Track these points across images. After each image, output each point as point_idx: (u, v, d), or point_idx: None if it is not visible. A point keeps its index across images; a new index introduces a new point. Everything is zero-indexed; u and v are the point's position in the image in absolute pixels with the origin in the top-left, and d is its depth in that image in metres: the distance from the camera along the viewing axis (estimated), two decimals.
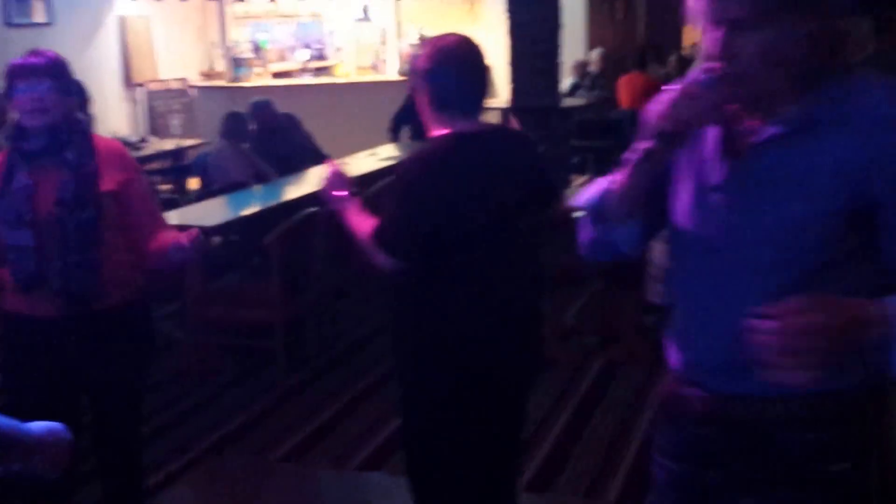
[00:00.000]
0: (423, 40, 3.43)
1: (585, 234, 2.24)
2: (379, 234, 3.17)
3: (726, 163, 1.95)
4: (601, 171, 9.94)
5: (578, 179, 11.49)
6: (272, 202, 6.87)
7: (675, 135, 1.90)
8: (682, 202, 2.05)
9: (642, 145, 1.94)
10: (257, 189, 7.38)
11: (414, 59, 3.41)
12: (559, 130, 9.91)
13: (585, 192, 2.20)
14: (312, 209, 6.00)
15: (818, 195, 1.83)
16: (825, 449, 1.96)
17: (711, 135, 1.99)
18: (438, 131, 3.23)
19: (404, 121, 9.87)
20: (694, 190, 2.02)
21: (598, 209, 2.14)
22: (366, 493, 4.68)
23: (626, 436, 5.12)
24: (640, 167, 1.97)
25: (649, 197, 2.05)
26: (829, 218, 1.83)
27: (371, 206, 3.39)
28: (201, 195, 7.68)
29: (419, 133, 9.87)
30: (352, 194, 3.38)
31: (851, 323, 1.68)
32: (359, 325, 6.81)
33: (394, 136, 10.07)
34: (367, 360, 6.20)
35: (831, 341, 1.64)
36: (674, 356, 2.15)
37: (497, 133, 3.56)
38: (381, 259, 3.18)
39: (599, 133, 11.41)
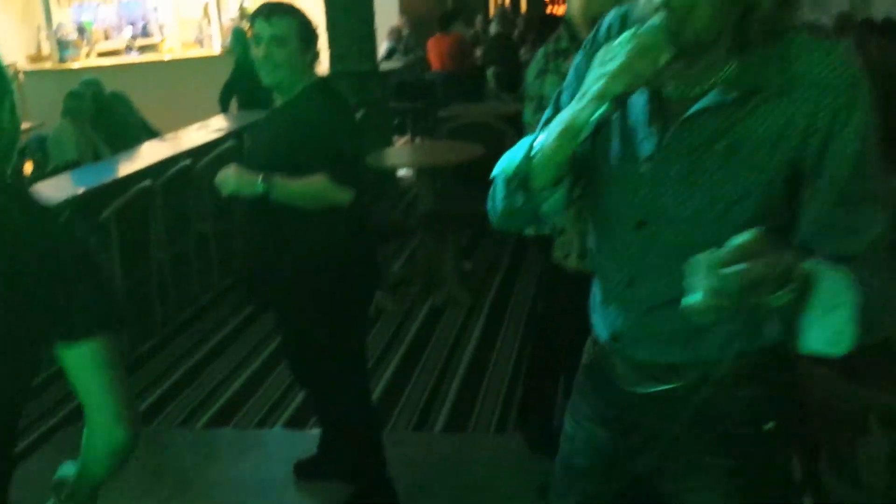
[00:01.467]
0: (278, 6, 3.53)
1: (503, 204, 1.87)
2: (335, 173, 3.33)
3: (658, 132, 1.74)
4: (419, 130, 10.12)
5: (400, 140, 11.59)
6: (107, 178, 6.72)
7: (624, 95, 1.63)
8: (610, 172, 1.83)
9: (573, 107, 1.67)
10: (92, 166, 7.20)
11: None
12: (378, 94, 9.92)
13: (505, 159, 1.84)
14: (147, 182, 5.90)
15: (757, 165, 1.66)
16: (753, 409, 1.86)
17: (640, 101, 1.77)
18: (301, 81, 3.44)
19: (233, 91, 9.80)
20: (623, 160, 1.80)
21: (522, 176, 1.77)
22: (214, 449, 4.68)
23: (450, 373, 5.29)
24: (568, 130, 1.68)
25: (574, 161, 1.76)
26: (767, 188, 1.66)
27: (208, 174, 3.48)
28: (37, 176, 7.45)
29: (247, 103, 9.82)
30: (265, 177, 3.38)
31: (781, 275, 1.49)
32: (202, 293, 6.76)
33: (224, 107, 9.97)
34: (211, 324, 6.19)
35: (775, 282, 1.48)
36: (599, 326, 2.00)
37: None
38: (344, 196, 3.36)
39: (415, 94, 11.49)
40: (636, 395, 1.93)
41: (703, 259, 1.46)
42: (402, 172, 9.32)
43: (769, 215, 1.65)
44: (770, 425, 1.86)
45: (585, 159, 1.82)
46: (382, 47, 12.64)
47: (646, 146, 1.76)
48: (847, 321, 1.51)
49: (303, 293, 3.56)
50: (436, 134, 8.64)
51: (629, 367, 1.93)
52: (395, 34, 13.64)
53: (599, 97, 1.61)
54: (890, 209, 1.64)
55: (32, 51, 13.19)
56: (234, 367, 5.51)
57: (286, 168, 3.37)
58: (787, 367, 1.89)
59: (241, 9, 14.05)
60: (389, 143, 10.26)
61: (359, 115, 8.37)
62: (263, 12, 3.43)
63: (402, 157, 7.56)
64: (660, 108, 1.74)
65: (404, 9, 14.82)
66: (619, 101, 1.63)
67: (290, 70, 3.42)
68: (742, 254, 1.44)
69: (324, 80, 3.58)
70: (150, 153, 7.58)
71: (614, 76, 1.59)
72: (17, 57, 12.78)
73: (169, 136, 8.40)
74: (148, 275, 6.00)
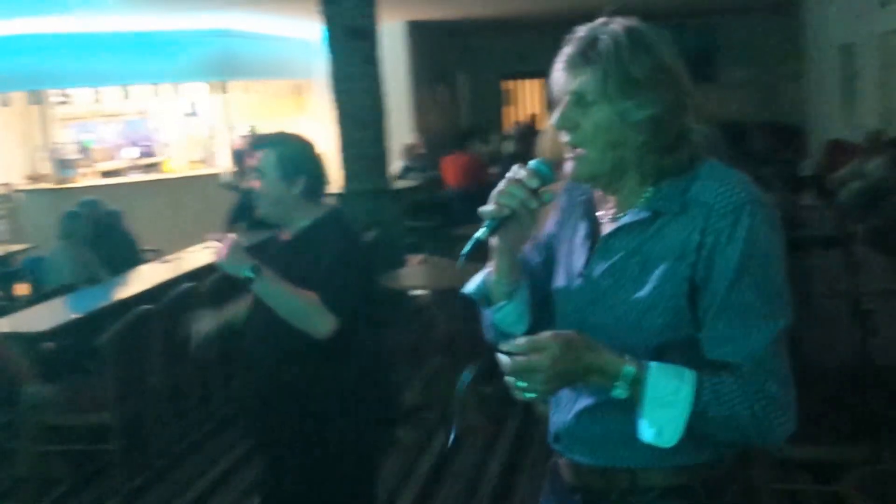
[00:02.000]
0: (269, 137, 3.60)
1: (482, 320, 2.28)
2: (326, 297, 3.30)
3: (588, 250, 2.06)
4: (434, 250, 10.08)
5: (414, 259, 11.55)
6: (104, 303, 6.67)
7: (500, 218, 2.00)
8: (558, 287, 2.14)
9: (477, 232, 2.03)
10: (89, 290, 7.16)
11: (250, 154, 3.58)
12: (392, 212, 9.97)
13: (473, 279, 2.24)
14: (146, 307, 5.82)
15: (662, 277, 1.91)
16: None
17: (581, 229, 2.11)
18: (306, 215, 3.48)
19: (240, 218, 9.80)
20: (566, 274, 2.12)
21: (482, 293, 2.19)
22: None
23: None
24: (494, 250, 2.10)
25: (536, 283, 2.19)
26: (671, 299, 1.90)
27: (213, 296, 3.48)
28: (32, 300, 7.41)
29: (256, 224, 9.83)
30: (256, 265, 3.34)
31: (582, 370, 1.84)
32: (200, 423, 6.61)
33: (230, 229, 9.99)
34: (208, 459, 6.03)
35: (552, 378, 1.82)
36: (549, 429, 2.20)
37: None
38: (323, 321, 3.30)
39: (431, 212, 11.51)
40: (577, 497, 2.11)
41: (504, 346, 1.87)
42: (417, 293, 9.24)
43: (676, 324, 1.91)
44: None
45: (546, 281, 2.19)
46: (396, 166, 12.74)
47: (579, 263, 2.08)
48: (671, 419, 1.82)
49: (302, 434, 3.50)
50: (451, 254, 8.59)
51: (571, 471, 2.12)
52: (410, 152, 13.76)
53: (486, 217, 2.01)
54: (780, 322, 1.87)
55: (31, 170, 13.31)
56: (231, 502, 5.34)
57: None
58: (719, 491, 2.02)
59: (251, 130, 14.23)
60: (403, 263, 10.23)
61: (371, 234, 8.37)
62: (251, 143, 3.55)
63: (416, 278, 7.49)
64: (593, 232, 2.08)
65: (418, 127, 15.01)
66: (495, 224, 2.00)
67: (274, 203, 3.47)
68: (529, 347, 1.83)
69: (332, 214, 3.56)
70: (150, 275, 7.56)
71: (491, 199, 2.01)
72: (15, 176, 12.90)
73: (171, 256, 8.38)
74: (143, 404, 5.87)
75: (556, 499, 2.21)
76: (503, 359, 1.87)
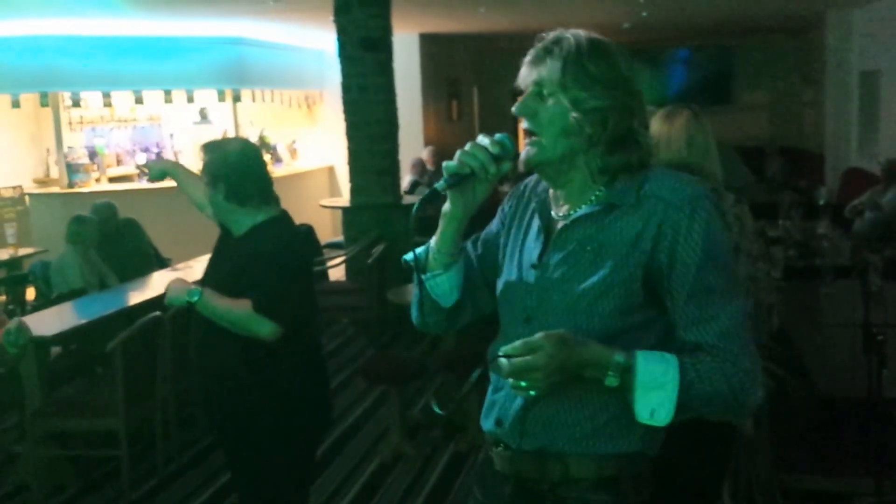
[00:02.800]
0: (207, 143, 3.83)
1: (414, 298, 2.50)
2: (260, 304, 3.54)
3: (543, 242, 2.26)
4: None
5: None
6: (114, 309, 6.76)
7: (460, 175, 2.23)
8: (507, 279, 2.34)
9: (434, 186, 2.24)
10: (98, 296, 7.26)
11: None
12: (400, 227, 10.02)
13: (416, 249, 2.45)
14: (156, 314, 5.93)
15: (616, 265, 2.11)
16: None
17: (534, 225, 2.31)
18: (246, 220, 3.71)
19: None
20: (517, 268, 2.31)
21: (421, 261, 2.41)
22: None
23: None
24: (443, 216, 2.34)
25: (469, 268, 2.44)
26: (625, 285, 2.10)
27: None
28: (39, 305, 7.50)
29: None
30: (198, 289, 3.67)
31: (575, 365, 2.04)
32: (207, 431, 6.69)
33: None
34: (215, 466, 6.11)
35: (549, 375, 2.03)
36: (487, 417, 2.37)
37: (290, 218, 3.97)
38: (266, 328, 3.56)
39: (436, 228, 11.57)
40: (508, 485, 2.30)
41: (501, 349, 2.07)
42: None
43: (627, 309, 2.11)
44: None
45: (493, 269, 2.41)
46: (406, 180, 12.81)
47: (534, 254, 2.26)
48: (664, 400, 2.02)
49: (239, 428, 3.75)
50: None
51: (504, 460, 2.30)
52: (419, 167, 13.85)
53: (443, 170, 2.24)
54: (742, 300, 2.12)
55: (40, 174, 13.41)
56: None
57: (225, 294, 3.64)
58: (644, 485, 2.23)
59: (261, 137, 14.33)
60: (411, 278, 10.30)
61: (380, 248, 8.46)
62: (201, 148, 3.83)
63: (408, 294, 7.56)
64: (548, 226, 2.27)
65: (429, 141, 15.07)
66: (454, 180, 2.22)
67: (211, 205, 3.76)
68: (525, 349, 2.03)
69: (274, 218, 3.76)
70: (159, 283, 7.64)
71: (456, 157, 2.23)
72: (25, 179, 13.00)
73: (181, 264, 8.48)
74: (151, 411, 5.98)
75: (485, 492, 2.41)
76: (502, 363, 2.06)
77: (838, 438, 4.66)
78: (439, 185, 2.21)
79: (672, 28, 16.54)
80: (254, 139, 13.57)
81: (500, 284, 2.37)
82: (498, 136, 2.24)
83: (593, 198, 2.18)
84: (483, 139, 2.24)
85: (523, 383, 2.05)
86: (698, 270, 2.06)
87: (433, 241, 2.39)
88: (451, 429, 6.48)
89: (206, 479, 5.95)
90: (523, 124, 2.20)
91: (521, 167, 2.22)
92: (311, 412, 3.84)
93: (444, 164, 2.24)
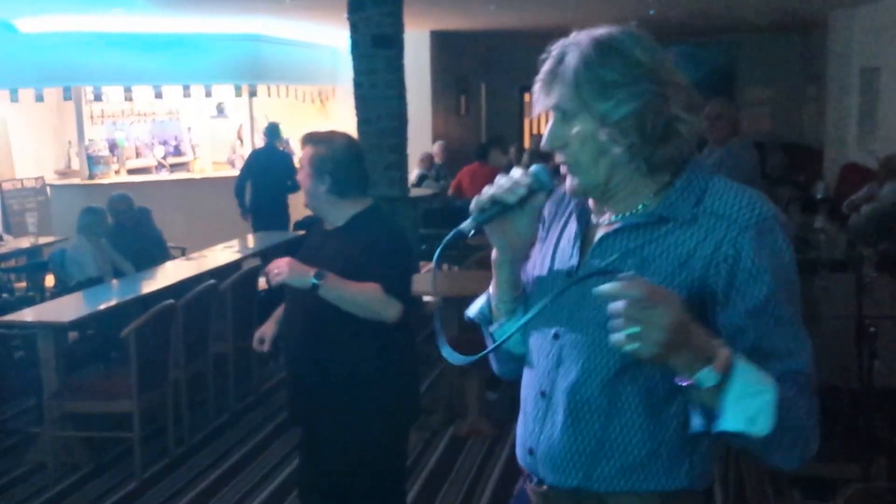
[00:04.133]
0: (315, 136, 3.85)
1: (490, 353, 2.13)
2: (390, 286, 3.53)
3: (580, 251, 2.00)
4: (446, 258, 10.13)
5: (426, 266, 11.67)
6: (129, 296, 6.83)
7: (488, 210, 1.94)
8: (541, 286, 2.06)
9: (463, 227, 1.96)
10: (114, 284, 7.32)
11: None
12: (407, 220, 10.06)
13: (475, 303, 2.20)
14: (169, 301, 5.99)
15: (661, 282, 1.79)
16: None
17: (571, 228, 2.05)
18: (343, 211, 3.70)
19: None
20: (548, 276, 2.05)
21: (485, 315, 2.16)
22: None
23: None
24: (493, 264, 2.07)
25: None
26: None
27: (230, 295, 3.69)
28: (58, 292, 7.57)
29: (264, 226, 10.24)
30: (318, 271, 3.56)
31: (683, 341, 1.64)
32: (217, 413, 6.78)
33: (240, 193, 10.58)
34: (224, 448, 6.19)
35: (666, 333, 1.61)
36: (519, 447, 2.12)
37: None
38: (394, 310, 3.55)
39: (445, 221, 11.62)
40: None
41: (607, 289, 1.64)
42: (428, 299, 9.36)
43: None
44: None
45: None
46: (414, 174, 12.84)
47: (568, 262, 2.01)
48: (768, 404, 1.67)
49: (339, 414, 3.67)
50: (465, 262, 8.71)
51: (540, 498, 2.04)
52: (427, 161, 13.88)
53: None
54: (809, 338, 1.82)
55: (62, 166, 13.49)
56: (246, 491, 5.51)
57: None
58: None
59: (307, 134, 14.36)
60: (417, 269, 10.35)
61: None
62: (302, 139, 3.82)
63: (428, 284, 7.60)
64: (585, 232, 2.01)
65: (438, 136, 15.09)
66: (482, 217, 1.94)
67: (308, 195, 3.72)
68: (649, 290, 1.62)
69: (371, 208, 3.77)
70: (173, 272, 7.71)
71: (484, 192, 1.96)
72: (47, 171, 13.09)
73: (195, 254, 8.54)
74: (163, 394, 6.04)
75: None
76: (606, 287, 1.64)
77: (829, 427, 4.68)
78: (465, 225, 1.94)
79: (678, 25, 16.51)
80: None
81: (532, 294, 2.09)
82: (533, 168, 1.97)
83: (641, 206, 1.92)
84: (516, 171, 1.96)
85: (631, 330, 1.61)
86: (768, 298, 1.77)
87: (491, 290, 2.13)
88: (450, 414, 6.52)
89: (216, 460, 6.01)
90: (557, 157, 1.95)
91: (569, 196, 2.02)
92: (412, 396, 3.89)
93: (473, 202, 1.95)
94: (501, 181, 1.95)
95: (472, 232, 1.94)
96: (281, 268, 3.55)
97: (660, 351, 1.61)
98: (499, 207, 1.94)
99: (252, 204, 11.06)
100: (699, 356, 1.66)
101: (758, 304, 1.78)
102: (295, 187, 11.46)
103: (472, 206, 1.95)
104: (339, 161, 3.67)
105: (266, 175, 11.17)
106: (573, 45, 1.89)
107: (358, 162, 3.76)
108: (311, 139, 3.77)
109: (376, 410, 3.66)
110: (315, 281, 3.48)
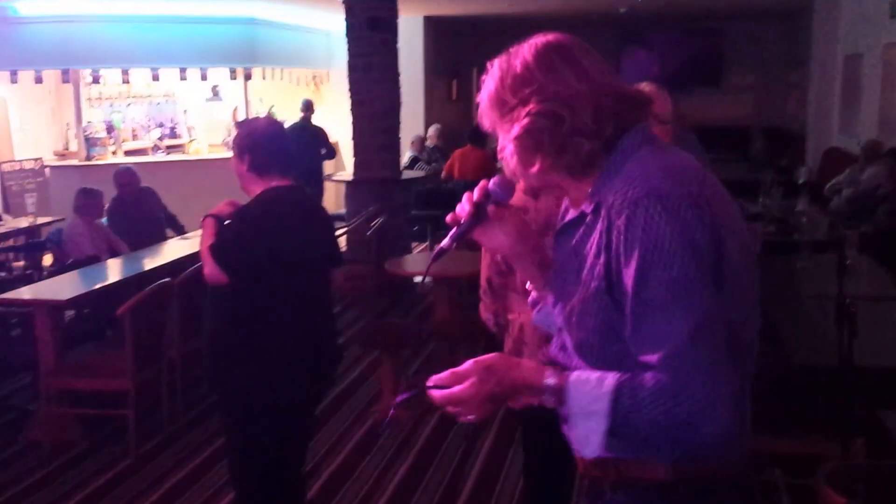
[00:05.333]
0: (241, 122, 4.01)
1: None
2: (214, 247, 3.67)
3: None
4: (438, 239, 10.18)
5: (418, 247, 11.65)
6: (125, 275, 6.78)
7: (460, 227, 1.98)
8: None
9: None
10: (110, 263, 7.27)
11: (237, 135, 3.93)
12: (399, 201, 10.05)
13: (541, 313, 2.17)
14: (166, 280, 5.93)
15: (587, 278, 1.83)
16: None
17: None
18: (260, 188, 3.79)
19: None
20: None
21: (545, 319, 2.13)
22: None
23: (459, 481, 5.26)
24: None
25: None
26: (595, 298, 1.81)
27: None
28: (55, 270, 7.52)
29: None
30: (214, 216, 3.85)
31: (509, 389, 1.83)
32: (211, 391, 6.70)
33: None
34: (218, 425, 6.12)
35: (481, 403, 1.82)
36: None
37: (303, 191, 4.02)
38: (208, 268, 3.66)
39: (436, 203, 11.58)
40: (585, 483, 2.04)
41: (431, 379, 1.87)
42: (419, 280, 9.34)
43: (611, 322, 1.79)
44: None
45: None
46: (406, 156, 12.82)
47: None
48: (592, 431, 1.74)
49: (215, 384, 3.92)
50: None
51: (579, 461, 2.02)
52: (419, 144, 13.84)
53: None
54: (695, 315, 1.68)
55: (60, 147, 13.42)
56: None
57: None
58: (705, 490, 1.87)
59: (270, 114, 14.30)
60: (409, 249, 10.33)
61: (379, 221, 8.46)
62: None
63: (419, 265, 7.59)
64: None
65: (429, 120, 15.07)
66: (456, 234, 1.98)
67: (237, 175, 3.85)
68: (452, 379, 1.84)
69: (281, 188, 3.80)
70: (169, 251, 7.66)
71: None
72: (46, 152, 13.02)
73: (190, 234, 8.50)
74: (158, 372, 5.99)
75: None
76: (434, 393, 1.86)
77: (809, 405, 4.66)
78: (444, 244, 1.98)
79: (664, 11, 16.47)
80: (263, 113, 13.59)
81: None
82: (491, 184, 1.98)
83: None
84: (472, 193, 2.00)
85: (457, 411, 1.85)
86: (638, 282, 1.72)
87: (526, 281, 2.16)
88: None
89: (210, 436, 5.97)
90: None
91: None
92: (288, 378, 3.76)
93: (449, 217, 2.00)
94: (463, 202, 2.00)
95: (455, 245, 1.99)
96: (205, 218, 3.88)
97: (483, 414, 1.84)
98: (466, 224, 1.97)
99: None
100: (534, 390, 1.81)
101: (631, 288, 1.73)
102: (330, 155, 12.81)
103: (449, 220, 2.00)
104: (257, 140, 3.76)
105: (302, 146, 11.66)
106: (491, 69, 1.93)
107: (276, 142, 3.82)
108: (239, 124, 3.95)
109: (234, 382, 3.76)
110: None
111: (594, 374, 1.77)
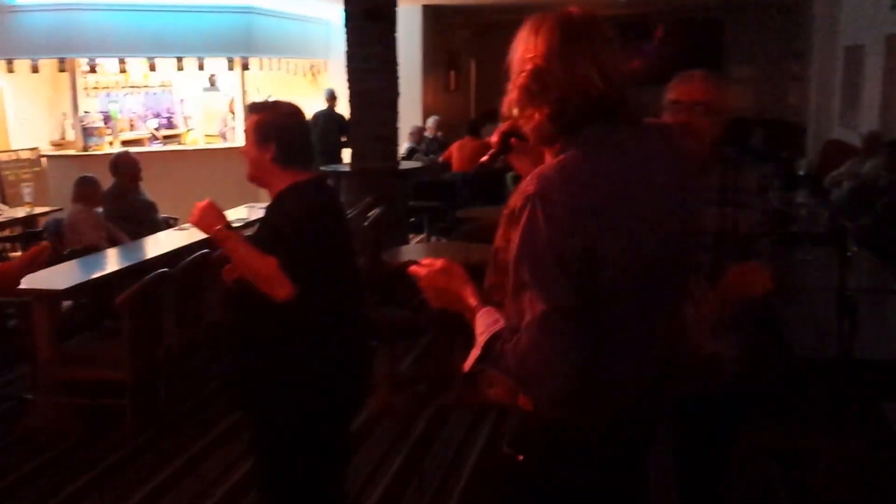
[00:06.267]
0: (258, 104, 3.69)
1: None
2: (286, 261, 3.30)
3: None
4: (435, 230, 10.17)
5: (416, 238, 11.66)
6: (123, 265, 6.80)
7: (502, 135, 2.42)
8: None
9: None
10: (108, 253, 7.29)
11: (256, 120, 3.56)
12: (397, 192, 10.05)
13: None
14: (164, 270, 5.96)
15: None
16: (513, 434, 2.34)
17: None
18: (284, 182, 3.47)
19: None
20: None
21: None
22: None
23: (455, 474, 5.27)
24: None
25: None
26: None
27: (224, 264, 3.61)
28: (53, 259, 7.52)
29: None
30: (228, 226, 3.45)
31: (453, 296, 2.26)
32: (208, 381, 6.77)
33: None
34: (215, 414, 6.18)
35: (435, 291, 2.28)
36: None
37: (329, 186, 3.79)
38: (285, 289, 3.30)
39: (434, 194, 11.60)
40: None
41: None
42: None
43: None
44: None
45: None
46: (403, 147, 12.84)
47: None
48: (473, 353, 2.15)
49: (260, 398, 3.57)
50: (452, 234, 8.71)
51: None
52: (417, 135, 13.85)
53: None
54: (547, 305, 1.98)
55: (57, 137, 13.42)
56: (235, 458, 5.48)
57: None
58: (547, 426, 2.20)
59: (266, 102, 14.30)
60: (406, 240, 10.35)
61: (376, 211, 8.48)
62: (247, 108, 3.64)
63: (417, 256, 7.61)
64: None
65: (427, 111, 15.06)
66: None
67: (252, 164, 3.51)
68: (426, 262, 2.30)
69: (307, 182, 3.52)
70: (167, 241, 7.68)
71: None
72: (42, 142, 13.02)
73: (187, 224, 8.50)
74: (156, 361, 6.02)
75: None
76: (412, 267, 2.31)
77: (808, 398, 4.68)
78: (484, 159, 2.51)
79: (664, 2, 16.48)
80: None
81: None
82: None
83: None
84: None
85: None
86: (514, 265, 2.05)
87: None
88: (436, 383, 6.52)
89: (207, 426, 6.00)
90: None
91: None
92: (328, 389, 3.54)
93: None
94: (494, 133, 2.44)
95: (493, 162, 2.49)
96: (195, 210, 3.45)
97: (441, 303, 2.28)
98: (496, 149, 2.46)
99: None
100: (462, 304, 2.24)
101: (512, 266, 2.06)
102: (350, 144, 12.42)
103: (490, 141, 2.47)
104: (284, 128, 3.49)
105: (326, 133, 12.71)
106: (538, 18, 2.19)
107: (303, 132, 3.60)
108: (255, 107, 3.59)
109: (281, 397, 3.50)
110: (216, 232, 3.40)
111: (498, 316, 2.14)
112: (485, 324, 2.14)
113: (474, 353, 2.14)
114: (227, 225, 3.43)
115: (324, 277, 3.43)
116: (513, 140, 2.38)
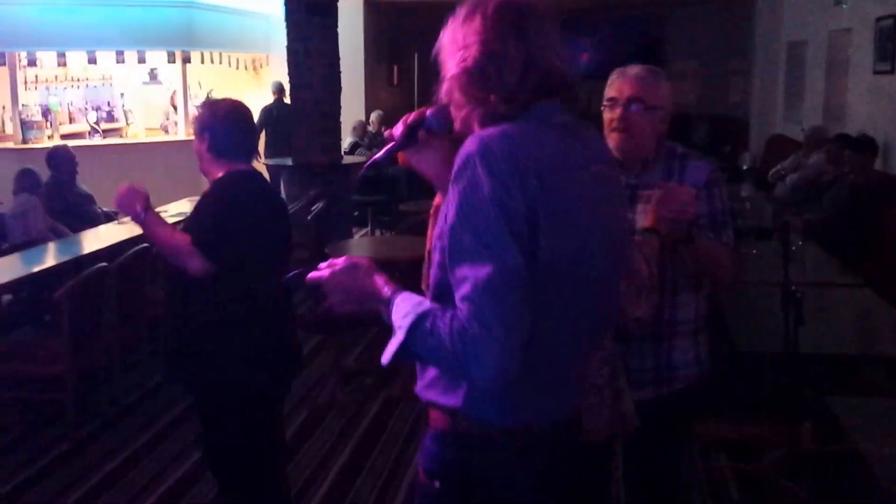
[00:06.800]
0: (205, 101, 3.96)
1: None
2: (197, 238, 3.56)
3: None
4: (379, 224, 10.19)
5: (359, 232, 11.68)
6: (62, 259, 6.75)
7: (409, 128, 2.23)
8: None
9: None
10: (48, 246, 7.23)
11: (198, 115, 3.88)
12: (340, 186, 10.05)
13: None
14: (103, 264, 5.93)
15: (441, 219, 2.05)
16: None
17: None
18: (220, 171, 3.74)
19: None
20: None
21: None
22: None
23: (403, 465, 5.30)
24: None
25: None
26: (438, 241, 2.05)
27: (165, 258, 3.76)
28: None
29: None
30: (147, 208, 3.69)
31: (360, 292, 2.08)
32: (150, 375, 6.74)
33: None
34: (158, 408, 6.17)
35: (341, 293, 2.08)
36: None
37: (262, 176, 3.97)
38: (196, 263, 3.55)
39: (378, 188, 11.61)
40: None
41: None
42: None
43: (442, 270, 1.99)
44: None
45: None
46: (346, 141, 12.82)
47: None
48: (395, 340, 1.94)
49: (187, 369, 3.78)
50: (396, 228, 8.74)
51: None
52: (360, 129, 13.85)
53: None
54: (493, 265, 1.84)
55: None
56: (178, 452, 5.48)
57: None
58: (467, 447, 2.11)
59: (209, 97, 14.22)
60: (349, 234, 10.35)
61: (319, 206, 8.49)
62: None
63: (360, 250, 7.64)
64: None
65: (370, 105, 15.05)
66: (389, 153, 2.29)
67: (197, 155, 3.79)
68: (328, 267, 2.09)
69: (240, 172, 3.76)
70: (107, 235, 7.64)
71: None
72: None
73: (126, 219, 8.44)
74: (96, 356, 5.98)
75: None
76: (311, 273, 2.12)
77: (755, 392, 4.73)
78: (378, 156, 2.29)
79: None
80: (200, 100, 13.50)
81: None
82: (428, 112, 2.24)
83: None
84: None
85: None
86: (452, 229, 1.90)
87: None
88: (383, 377, 6.55)
89: (150, 419, 6.00)
90: None
91: None
92: (247, 365, 3.71)
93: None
94: (399, 123, 2.25)
95: (387, 161, 2.27)
96: (117, 193, 3.70)
97: (348, 307, 2.10)
98: (398, 142, 2.23)
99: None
100: (378, 301, 2.04)
101: (448, 231, 1.91)
102: None
103: (386, 135, 2.27)
104: (219, 120, 3.74)
105: (278, 126, 12.43)
106: (464, 7, 2.14)
107: (239, 125, 3.80)
108: (201, 105, 3.89)
109: (202, 368, 3.71)
110: (134, 214, 3.67)
111: (420, 298, 2.00)
112: (406, 308, 1.96)
113: (396, 341, 1.95)
114: (147, 205, 3.67)
115: (238, 258, 3.63)
116: (421, 133, 2.22)
